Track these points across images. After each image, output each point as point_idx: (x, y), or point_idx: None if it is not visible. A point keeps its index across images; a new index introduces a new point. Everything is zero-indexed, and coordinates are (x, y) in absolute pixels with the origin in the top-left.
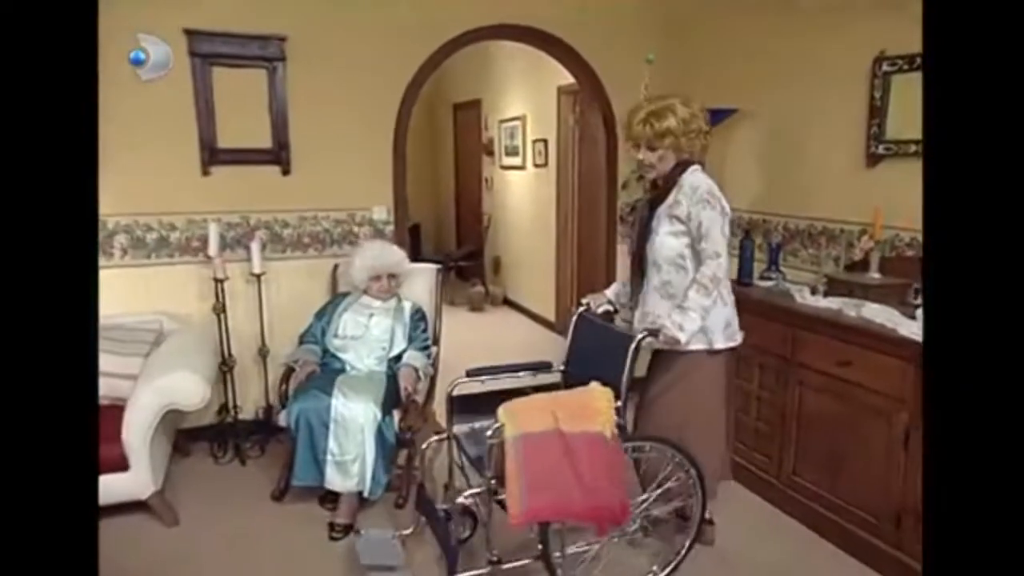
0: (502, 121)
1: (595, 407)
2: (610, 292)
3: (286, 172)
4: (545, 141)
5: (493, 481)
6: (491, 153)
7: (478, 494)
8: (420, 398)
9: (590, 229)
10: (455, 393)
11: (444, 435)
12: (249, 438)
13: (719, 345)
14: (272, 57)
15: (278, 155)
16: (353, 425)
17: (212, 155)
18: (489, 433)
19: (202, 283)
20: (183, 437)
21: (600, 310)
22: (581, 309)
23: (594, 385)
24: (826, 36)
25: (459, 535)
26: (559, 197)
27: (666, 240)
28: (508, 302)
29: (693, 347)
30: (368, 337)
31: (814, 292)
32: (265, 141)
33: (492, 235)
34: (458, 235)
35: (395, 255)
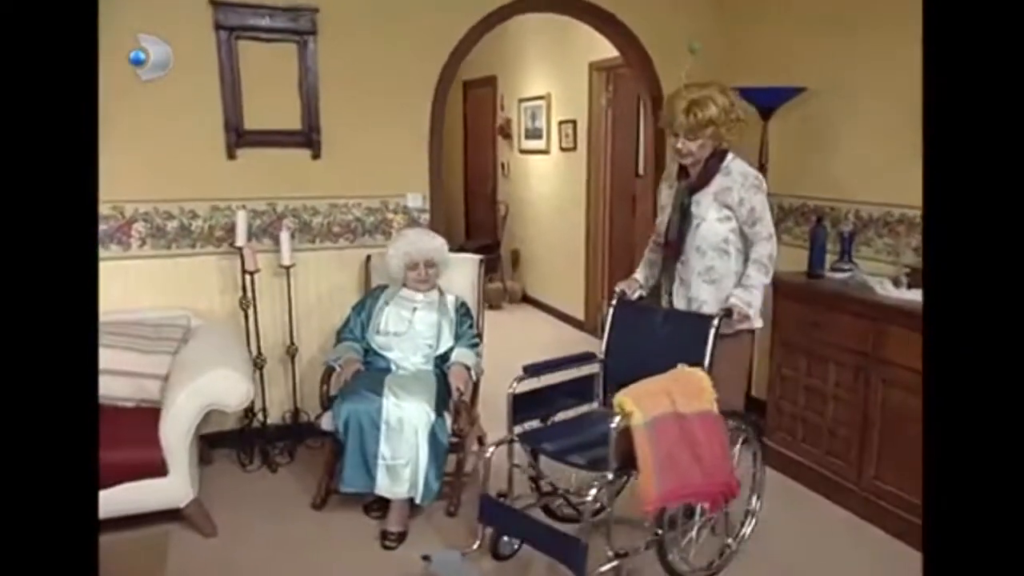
0: (522, 100)
1: (701, 386)
2: (639, 278)
3: (316, 156)
4: (574, 122)
5: (616, 471)
6: (508, 136)
7: (605, 486)
8: (467, 398)
9: (624, 218)
10: (517, 391)
11: (508, 437)
12: (277, 444)
13: (758, 324)
14: (303, 31)
15: (308, 138)
16: (407, 427)
17: (239, 137)
18: (613, 424)
19: (224, 275)
20: (204, 443)
21: (635, 296)
22: (616, 299)
23: (682, 367)
24: (905, 7)
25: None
26: (590, 184)
27: (713, 226)
28: (528, 299)
29: (737, 327)
30: (412, 333)
31: (896, 284)
32: (294, 123)
33: (509, 226)
34: (468, 226)
35: (434, 241)
